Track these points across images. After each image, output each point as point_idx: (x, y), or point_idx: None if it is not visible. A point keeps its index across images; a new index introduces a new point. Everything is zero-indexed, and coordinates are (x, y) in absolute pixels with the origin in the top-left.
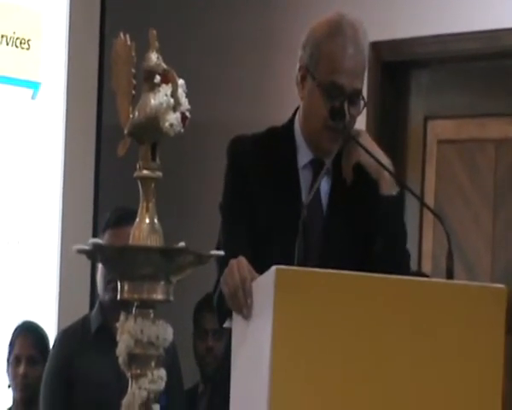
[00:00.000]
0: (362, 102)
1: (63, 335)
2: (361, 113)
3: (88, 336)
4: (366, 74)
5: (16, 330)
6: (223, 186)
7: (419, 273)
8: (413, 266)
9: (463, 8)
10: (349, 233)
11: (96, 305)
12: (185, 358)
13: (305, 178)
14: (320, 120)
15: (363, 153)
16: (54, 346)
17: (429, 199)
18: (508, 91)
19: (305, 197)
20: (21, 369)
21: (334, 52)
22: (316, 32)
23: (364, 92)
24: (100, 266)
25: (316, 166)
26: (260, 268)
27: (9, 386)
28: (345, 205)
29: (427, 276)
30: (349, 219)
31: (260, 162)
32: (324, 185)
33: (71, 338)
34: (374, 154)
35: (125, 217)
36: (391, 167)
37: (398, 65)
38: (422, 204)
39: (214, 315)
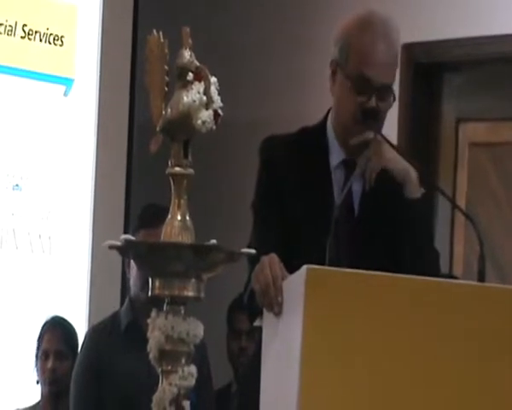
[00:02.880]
0: (391, 98)
1: (93, 331)
2: (390, 108)
3: (117, 333)
4: (398, 75)
5: (45, 325)
6: (255, 185)
7: (450, 276)
8: (444, 268)
9: (497, 11)
10: (380, 234)
11: (126, 301)
12: (219, 357)
13: (337, 178)
14: (350, 115)
15: (387, 159)
16: (83, 342)
17: (461, 202)
18: None
19: (337, 197)
20: (50, 364)
21: (364, 46)
22: (346, 28)
23: (396, 93)
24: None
25: (348, 166)
26: (291, 267)
27: (38, 382)
28: (376, 206)
29: (457, 279)
30: (380, 220)
31: (292, 162)
32: (357, 186)
33: (101, 334)
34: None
35: (159, 216)
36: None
37: (431, 67)
38: (454, 206)
39: None
